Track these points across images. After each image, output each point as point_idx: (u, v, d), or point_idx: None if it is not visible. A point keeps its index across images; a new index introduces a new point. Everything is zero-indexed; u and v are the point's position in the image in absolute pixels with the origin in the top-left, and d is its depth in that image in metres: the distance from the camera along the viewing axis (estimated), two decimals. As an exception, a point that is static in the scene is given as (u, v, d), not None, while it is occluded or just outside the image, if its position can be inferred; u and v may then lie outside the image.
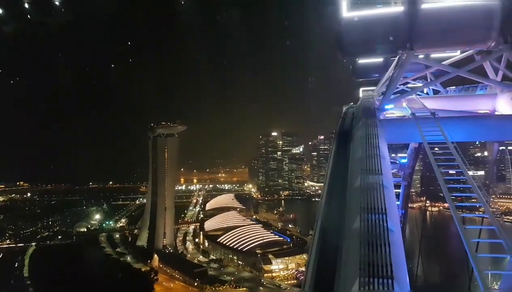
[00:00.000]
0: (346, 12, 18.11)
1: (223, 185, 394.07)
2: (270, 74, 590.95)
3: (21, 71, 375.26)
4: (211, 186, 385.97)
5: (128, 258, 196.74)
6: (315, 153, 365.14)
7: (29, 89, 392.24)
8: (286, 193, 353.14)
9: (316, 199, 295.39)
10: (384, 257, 7.75)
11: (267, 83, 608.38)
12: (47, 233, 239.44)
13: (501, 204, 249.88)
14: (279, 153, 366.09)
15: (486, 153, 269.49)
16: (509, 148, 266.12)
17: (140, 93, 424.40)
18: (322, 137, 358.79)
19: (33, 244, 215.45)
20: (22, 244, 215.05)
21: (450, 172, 14.45)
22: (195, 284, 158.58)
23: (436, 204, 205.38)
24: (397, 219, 13.61)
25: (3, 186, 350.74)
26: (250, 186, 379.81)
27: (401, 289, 7.53)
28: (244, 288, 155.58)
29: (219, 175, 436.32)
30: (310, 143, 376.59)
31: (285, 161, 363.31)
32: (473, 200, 13.87)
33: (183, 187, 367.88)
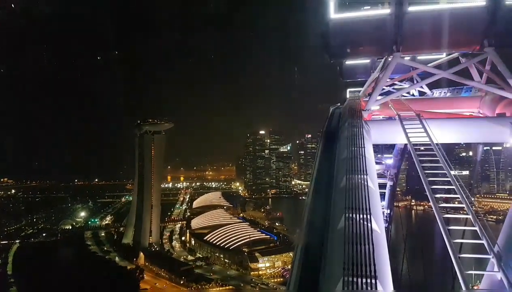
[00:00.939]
0: (333, 14, 18.15)
1: (210, 183, 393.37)
2: (258, 73, 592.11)
3: (5, 66, 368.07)
4: (198, 183, 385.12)
5: (114, 256, 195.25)
6: (303, 152, 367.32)
7: (14, 84, 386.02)
8: (273, 191, 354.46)
9: (303, 198, 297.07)
10: (368, 256, 7.79)
11: (255, 82, 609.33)
12: (31, 230, 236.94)
13: (485, 203, 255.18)
14: (266, 151, 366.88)
15: (471, 153, 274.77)
16: (493, 148, 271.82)
17: (127, 91, 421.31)
18: (309, 136, 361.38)
19: (17, 241, 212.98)
20: (6, 242, 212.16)
21: (434, 173, 14.62)
22: (181, 282, 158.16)
23: (422, 203, 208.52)
24: (382, 219, 13.70)
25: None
26: (238, 184, 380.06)
27: (385, 288, 7.59)
28: (231, 286, 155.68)
29: (206, 172, 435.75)
30: (297, 142, 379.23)
31: (273, 159, 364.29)
32: (456, 201, 14.06)
33: (170, 185, 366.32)
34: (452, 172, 14.29)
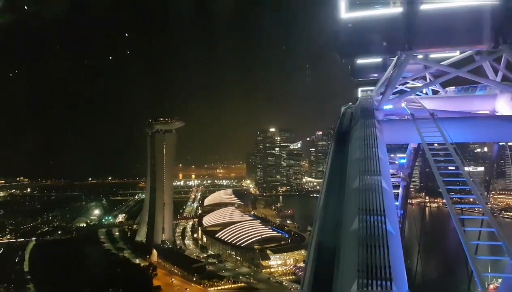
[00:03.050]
0: (344, 13, 18.03)
1: (221, 181, 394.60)
2: (268, 70, 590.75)
3: (19, 67, 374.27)
4: (209, 181, 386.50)
5: (127, 253, 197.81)
6: (313, 149, 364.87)
7: (28, 85, 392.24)
8: (284, 188, 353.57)
9: (314, 195, 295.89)
10: (382, 258, 7.75)
11: (265, 80, 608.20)
12: (47, 228, 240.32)
13: (501, 200, 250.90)
14: (277, 149, 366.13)
15: (486, 149, 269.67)
16: (509, 143, 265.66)
17: (138, 89, 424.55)
18: (320, 133, 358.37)
19: (33, 239, 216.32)
20: (22, 239, 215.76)
21: (450, 173, 14.44)
22: (194, 279, 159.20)
23: (436, 200, 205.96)
24: (396, 220, 13.63)
25: (3, 182, 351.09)
26: (248, 181, 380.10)
27: (400, 290, 7.55)
28: (242, 284, 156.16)
29: (217, 170, 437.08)
30: (308, 139, 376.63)
31: (283, 156, 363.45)
32: (472, 201, 13.87)
33: (182, 183, 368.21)
34: (467, 169, 14.08)
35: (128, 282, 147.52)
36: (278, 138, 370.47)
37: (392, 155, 29.90)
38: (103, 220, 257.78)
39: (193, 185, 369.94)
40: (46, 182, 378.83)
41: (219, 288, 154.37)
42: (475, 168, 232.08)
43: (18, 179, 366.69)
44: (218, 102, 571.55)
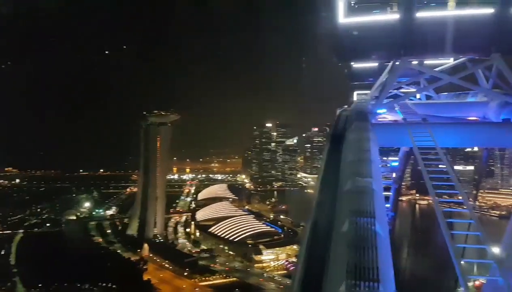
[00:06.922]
0: (343, 18, 18.33)
1: (216, 175, 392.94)
2: (265, 65, 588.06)
3: (11, 58, 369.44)
4: (204, 175, 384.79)
5: (118, 247, 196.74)
6: (309, 145, 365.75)
7: (19, 75, 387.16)
8: (279, 184, 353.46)
9: (309, 190, 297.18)
10: (370, 260, 8.07)
11: (262, 75, 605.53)
12: (35, 220, 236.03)
13: (489, 198, 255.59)
14: (273, 144, 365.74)
15: (476, 148, 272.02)
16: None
17: (133, 81, 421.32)
18: (316, 129, 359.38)
19: (21, 231, 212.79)
20: (10, 231, 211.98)
21: (440, 178, 14.86)
22: (185, 274, 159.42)
23: (425, 197, 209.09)
24: (386, 222, 14.00)
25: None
26: (243, 176, 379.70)
27: (386, 291, 7.92)
28: (235, 278, 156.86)
29: (212, 164, 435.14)
30: (304, 135, 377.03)
31: (279, 152, 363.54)
32: (459, 201, 14.34)
33: (176, 176, 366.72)
34: (457, 167, 14.50)
35: (118, 276, 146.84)
36: (275, 133, 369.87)
37: (384, 158, 30.33)
38: (94, 213, 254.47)
39: (187, 178, 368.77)
40: (35, 173, 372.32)
41: (211, 282, 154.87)
42: (464, 166, 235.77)
43: (6, 169, 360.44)
44: (214, 96, 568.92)
